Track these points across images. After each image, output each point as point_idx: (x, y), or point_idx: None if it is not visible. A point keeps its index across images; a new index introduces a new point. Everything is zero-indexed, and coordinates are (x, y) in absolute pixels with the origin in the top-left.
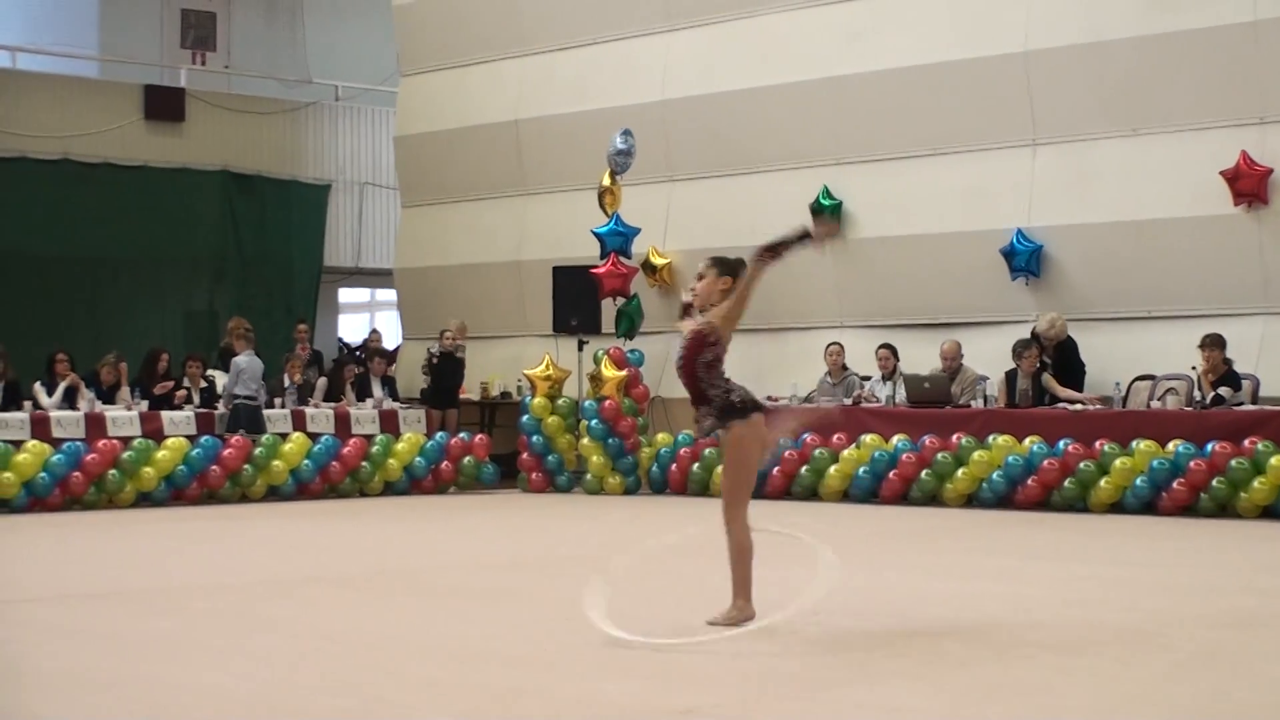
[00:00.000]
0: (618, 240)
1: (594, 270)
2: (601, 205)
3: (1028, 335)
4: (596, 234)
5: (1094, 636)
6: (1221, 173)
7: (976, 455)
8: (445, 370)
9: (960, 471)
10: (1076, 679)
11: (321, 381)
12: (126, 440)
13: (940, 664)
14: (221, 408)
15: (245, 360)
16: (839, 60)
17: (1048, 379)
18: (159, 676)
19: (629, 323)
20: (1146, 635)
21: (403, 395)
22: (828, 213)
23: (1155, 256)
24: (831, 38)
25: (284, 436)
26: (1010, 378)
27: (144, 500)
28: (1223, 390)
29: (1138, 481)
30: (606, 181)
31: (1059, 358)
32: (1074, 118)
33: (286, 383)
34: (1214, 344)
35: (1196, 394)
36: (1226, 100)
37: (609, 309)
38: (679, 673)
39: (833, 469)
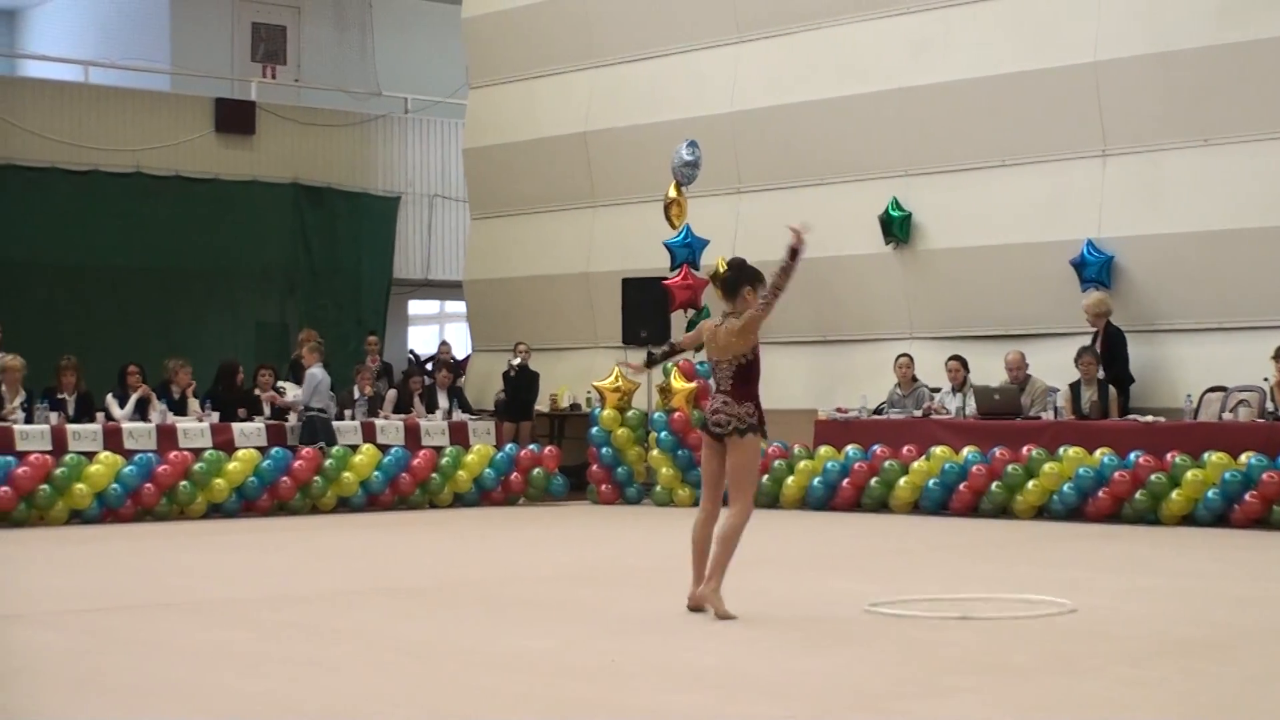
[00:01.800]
0: (687, 252)
1: (666, 282)
2: (668, 217)
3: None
4: (668, 246)
5: (1164, 649)
6: None
7: (1047, 467)
8: (521, 383)
9: (1031, 483)
10: (1146, 692)
11: (391, 393)
12: (197, 452)
13: (1009, 676)
14: (294, 419)
15: (320, 372)
16: (908, 71)
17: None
18: (230, 687)
19: None
20: (1217, 648)
21: (474, 406)
22: (896, 225)
23: (1226, 267)
24: (900, 49)
25: (354, 448)
26: (1075, 389)
27: (215, 511)
28: None
29: (1209, 494)
30: (673, 193)
31: (1107, 348)
32: (1144, 128)
33: (356, 394)
34: None
35: (1269, 405)
36: None
37: (678, 320)
38: (746, 683)
39: (903, 481)
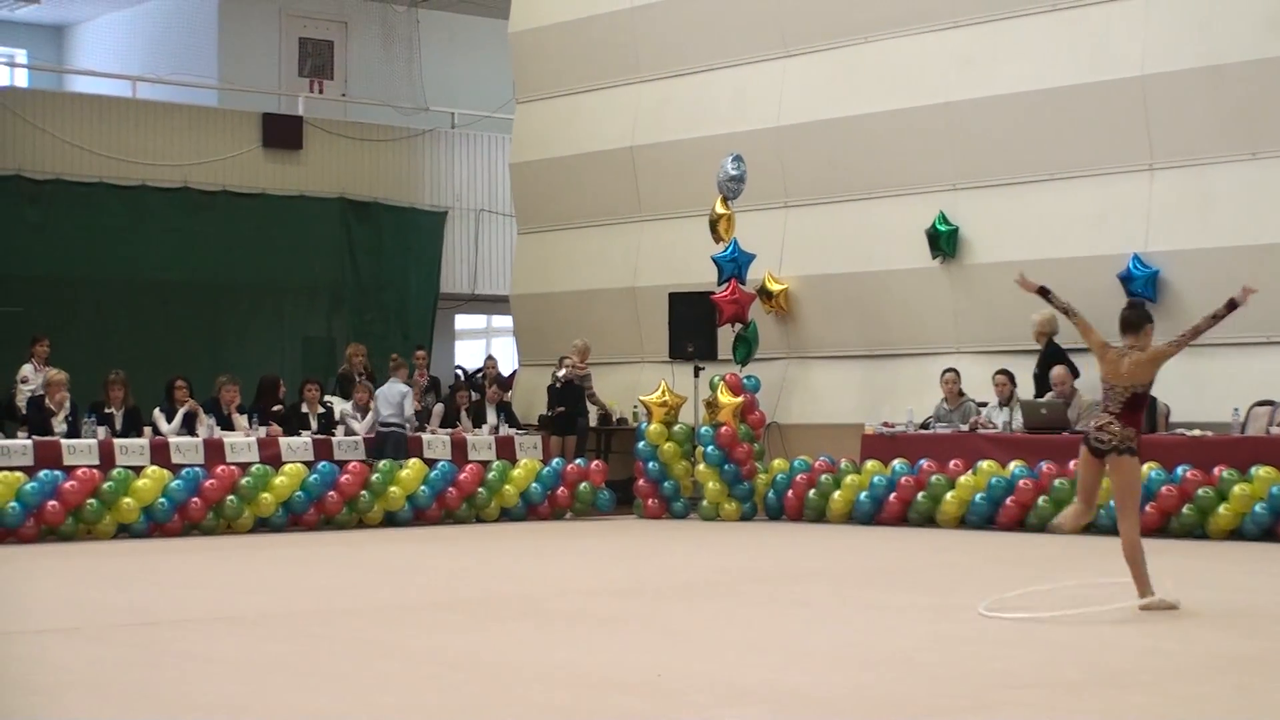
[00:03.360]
0: (734, 266)
1: (713, 296)
2: (714, 232)
3: None
4: (716, 260)
5: (1214, 664)
6: None
7: None
8: (566, 396)
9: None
10: (1197, 707)
11: (438, 408)
12: (245, 466)
13: (1058, 691)
14: (363, 431)
15: (398, 388)
16: (954, 86)
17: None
18: (281, 702)
19: (746, 349)
20: (1268, 663)
21: (521, 421)
22: (943, 239)
23: (1274, 280)
24: (947, 63)
25: (400, 463)
26: None
27: (262, 526)
28: None
29: (1257, 508)
30: (720, 208)
31: (1048, 358)
32: (1192, 141)
33: None
34: None
35: None
36: None
37: (724, 334)
38: (794, 698)
39: (949, 495)
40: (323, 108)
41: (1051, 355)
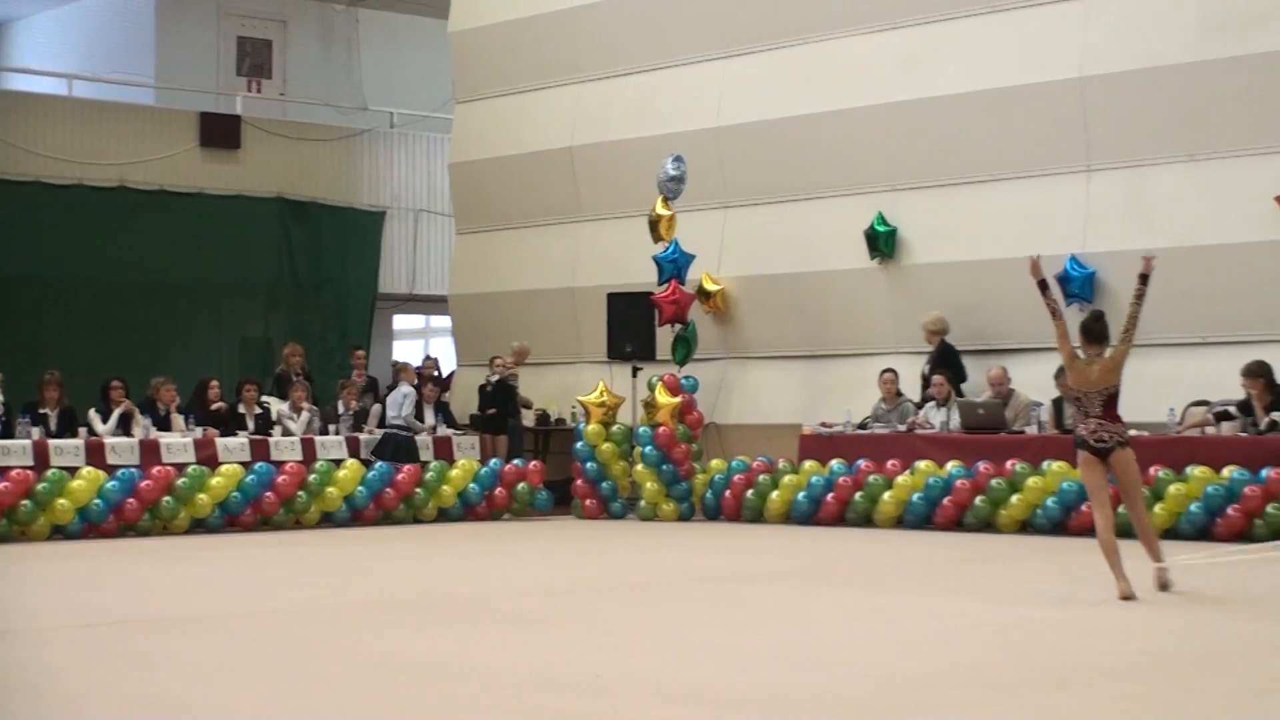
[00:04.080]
0: (674, 267)
1: (655, 296)
2: (653, 232)
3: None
4: (657, 260)
5: (1153, 663)
6: (1276, 197)
7: (1031, 481)
8: (497, 397)
9: (1015, 498)
10: (1136, 705)
11: (376, 408)
12: (181, 467)
13: (999, 691)
14: (299, 432)
15: (408, 390)
16: (894, 86)
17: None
18: (219, 703)
19: (686, 349)
20: (1205, 661)
21: (459, 421)
22: (881, 240)
23: (1211, 282)
24: (887, 64)
25: (338, 463)
26: (1058, 405)
27: (198, 527)
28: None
29: (1192, 507)
30: (660, 208)
31: (943, 362)
32: (1129, 143)
33: (341, 409)
34: (1257, 373)
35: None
36: None
37: (663, 335)
38: (732, 698)
39: (887, 495)
40: (261, 107)
41: (942, 354)
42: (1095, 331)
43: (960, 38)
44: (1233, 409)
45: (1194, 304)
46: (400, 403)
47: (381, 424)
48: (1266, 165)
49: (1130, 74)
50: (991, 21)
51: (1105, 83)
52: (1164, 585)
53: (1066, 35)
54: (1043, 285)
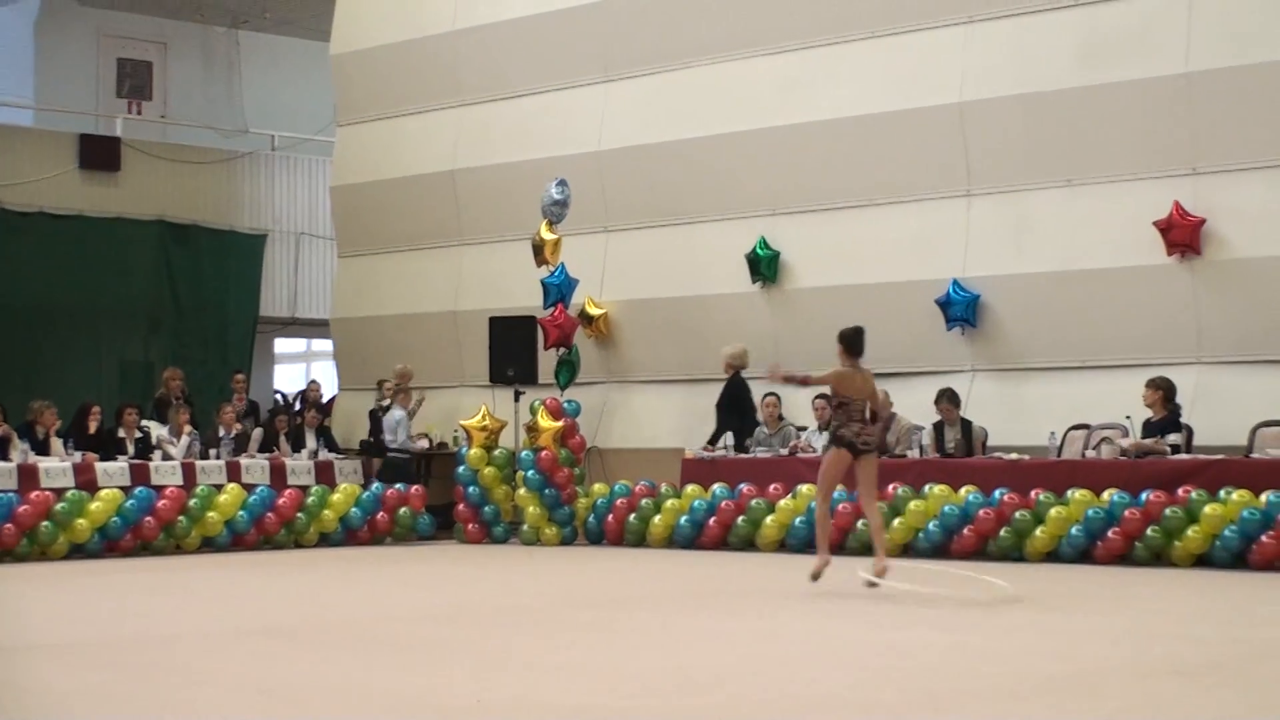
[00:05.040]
0: (559, 291)
1: (542, 320)
2: (536, 255)
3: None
4: (545, 283)
5: (1028, 686)
6: (1155, 223)
7: (913, 505)
8: (378, 422)
9: (896, 521)
10: None
11: (257, 432)
12: (60, 492)
13: (877, 714)
14: (180, 456)
15: (400, 414)
16: (775, 111)
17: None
18: None
19: (569, 373)
20: (1081, 684)
21: (341, 446)
22: (764, 264)
23: (1090, 306)
24: (767, 88)
25: (219, 487)
26: (939, 429)
27: (77, 552)
28: (1171, 438)
29: (1073, 530)
30: (545, 232)
31: (731, 396)
32: (1009, 169)
33: (222, 433)
34: (1160, 385)
35: (1126, 442)
36: (1159, 151)
37: (545, 359)
38: None
39: (769, 519)
40: (141, 129)
41: (734, 388)
42: (859, 345)
43: (841, 62)
44: (1127, 420)
45: (1074, 328)
46: (394, 427)
47: (263, 449)
48: (1145, 190)
49: (1010, 99)
50: (872, 46)
51: (985, 108)
52: (881, 574)
53: (947, 60)
54: (790, 380)
